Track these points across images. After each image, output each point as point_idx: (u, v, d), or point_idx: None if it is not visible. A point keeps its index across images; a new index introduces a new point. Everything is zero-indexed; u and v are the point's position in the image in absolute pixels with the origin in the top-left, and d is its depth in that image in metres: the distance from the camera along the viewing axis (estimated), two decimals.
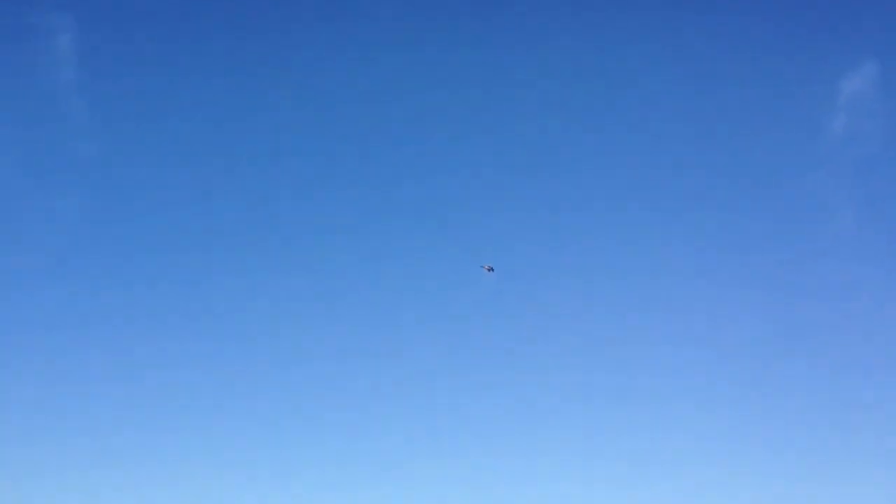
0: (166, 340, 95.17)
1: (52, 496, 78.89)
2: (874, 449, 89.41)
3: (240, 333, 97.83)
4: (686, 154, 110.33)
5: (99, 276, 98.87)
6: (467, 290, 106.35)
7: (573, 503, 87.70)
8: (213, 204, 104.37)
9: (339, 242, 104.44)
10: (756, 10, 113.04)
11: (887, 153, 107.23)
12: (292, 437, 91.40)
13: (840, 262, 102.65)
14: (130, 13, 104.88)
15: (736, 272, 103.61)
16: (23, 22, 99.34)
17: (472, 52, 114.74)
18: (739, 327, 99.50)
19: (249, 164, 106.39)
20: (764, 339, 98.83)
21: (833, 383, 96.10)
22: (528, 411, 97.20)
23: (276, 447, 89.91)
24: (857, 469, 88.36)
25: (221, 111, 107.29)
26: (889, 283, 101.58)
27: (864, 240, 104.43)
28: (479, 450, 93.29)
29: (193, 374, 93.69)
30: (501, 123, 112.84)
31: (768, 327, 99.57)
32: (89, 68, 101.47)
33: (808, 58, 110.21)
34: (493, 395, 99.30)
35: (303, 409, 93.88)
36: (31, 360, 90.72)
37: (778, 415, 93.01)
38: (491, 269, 77.11)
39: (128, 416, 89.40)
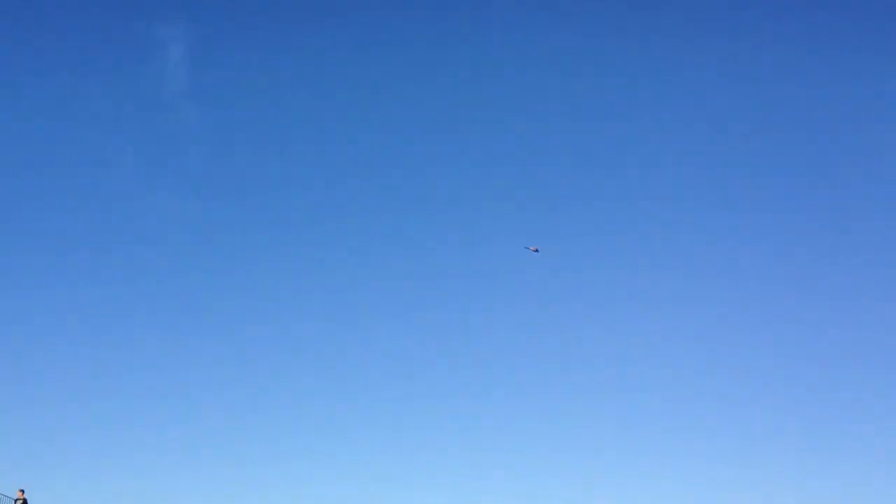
0: (279, 333, 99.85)
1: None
2: None
3: (354, 326, 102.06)
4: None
5: (213, 272, 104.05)
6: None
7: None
8: (320, 205, 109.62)
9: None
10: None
11: None
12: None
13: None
14: (238, 24, 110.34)
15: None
16: (138, 33, 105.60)
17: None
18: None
19: (354, 165, 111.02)
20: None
21: None
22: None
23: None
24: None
25: (324, 117, 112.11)
26: None
27: None
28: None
29: (307, 363, 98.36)
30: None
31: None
32: (200, 76, 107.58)
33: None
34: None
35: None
36: (150, 350, 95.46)
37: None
38: (536, 250, 77.52)
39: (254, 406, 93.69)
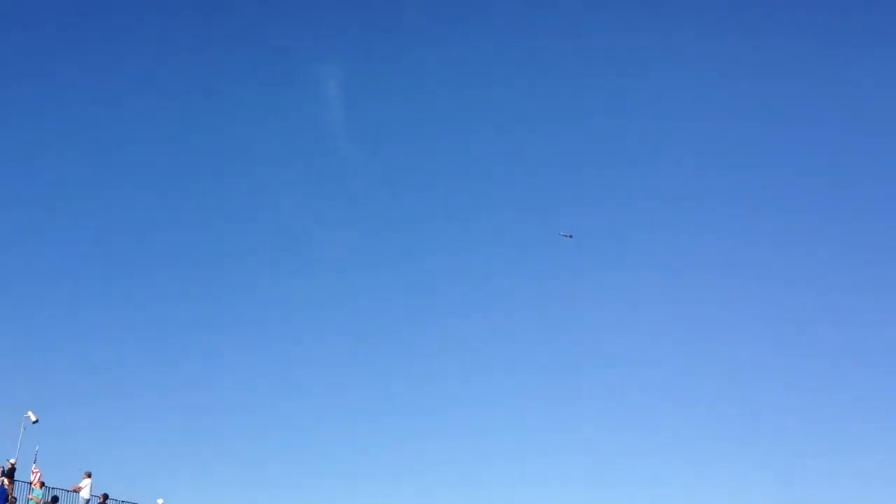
0: (453, 354, 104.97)
1: None
2: None
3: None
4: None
5: (377, 295, 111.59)
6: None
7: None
8: (470, 226, 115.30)
9: None
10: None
11: None
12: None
13: None
14: (386, 63, 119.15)
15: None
16: (297, 73, 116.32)
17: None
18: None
19: (509, 191, 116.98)
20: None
21: None
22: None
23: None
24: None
25: (460, 147, 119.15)
26: None
27: None
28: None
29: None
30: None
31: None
32: (353, 111, 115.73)
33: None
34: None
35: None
36: (315, 368, 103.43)
37: None
38: (570, 237, 78.47)
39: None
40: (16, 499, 39.08)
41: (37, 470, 42.08)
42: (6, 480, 41.24)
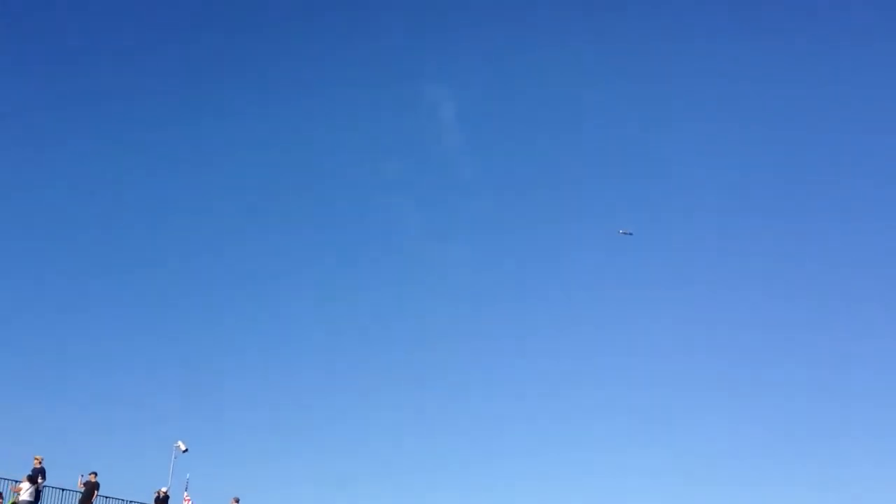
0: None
1: None
2: None
3: None
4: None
5: (498, 320, 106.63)
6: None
7: None
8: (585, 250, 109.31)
9: None
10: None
11: None
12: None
13: None
14: (499, 86, 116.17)
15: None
16: (412, 95, 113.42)
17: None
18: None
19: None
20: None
21: None
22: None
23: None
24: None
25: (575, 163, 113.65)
26: None
27: None
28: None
29: None
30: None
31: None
32: (470, 133, 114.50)
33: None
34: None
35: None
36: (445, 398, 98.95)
37: None
38: (630, 234, 79.41)
39: None
40: None
41: (188, 497, 42.71)
42: None
